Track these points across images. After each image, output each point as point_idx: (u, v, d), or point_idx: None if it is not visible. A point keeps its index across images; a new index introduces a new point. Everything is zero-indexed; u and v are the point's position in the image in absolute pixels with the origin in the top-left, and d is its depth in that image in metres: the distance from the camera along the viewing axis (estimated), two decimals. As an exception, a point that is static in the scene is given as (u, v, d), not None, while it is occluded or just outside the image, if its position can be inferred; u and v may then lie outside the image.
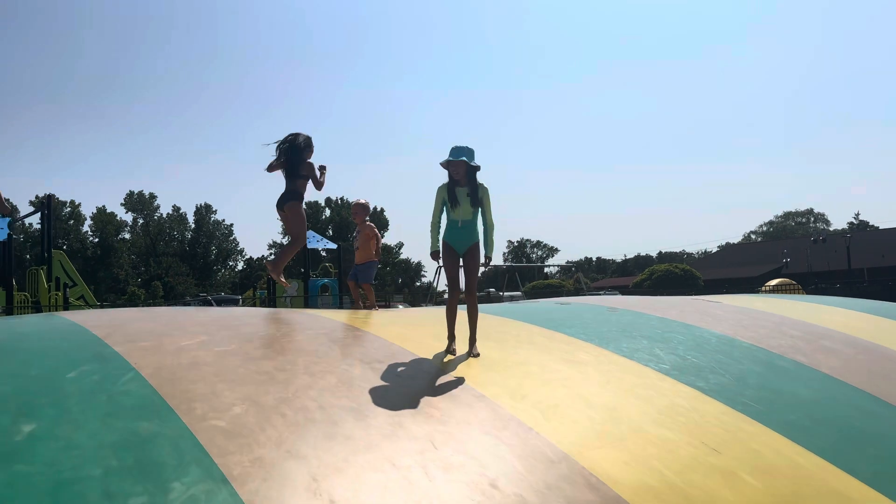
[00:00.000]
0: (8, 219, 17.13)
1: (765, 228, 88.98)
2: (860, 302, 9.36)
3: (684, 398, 4.44)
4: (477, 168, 4.73)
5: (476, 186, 4.75)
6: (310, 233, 22.50)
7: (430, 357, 4.56)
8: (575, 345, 5.27)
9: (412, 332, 5.21)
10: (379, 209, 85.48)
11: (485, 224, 4.86)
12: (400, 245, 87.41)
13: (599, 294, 43.44)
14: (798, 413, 4.55)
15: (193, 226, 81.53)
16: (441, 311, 5.06)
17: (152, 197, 79.92)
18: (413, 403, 3.64)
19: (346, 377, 3.85)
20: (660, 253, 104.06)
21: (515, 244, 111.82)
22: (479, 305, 4.95)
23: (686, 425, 4.02)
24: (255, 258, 78.19)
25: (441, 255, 4.79)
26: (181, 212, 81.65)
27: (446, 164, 4.73)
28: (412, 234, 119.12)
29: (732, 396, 4.59)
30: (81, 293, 19.54)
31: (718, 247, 76.40)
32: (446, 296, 4.97)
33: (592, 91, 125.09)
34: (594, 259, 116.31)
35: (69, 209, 73.89)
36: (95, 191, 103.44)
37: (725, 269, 53.80)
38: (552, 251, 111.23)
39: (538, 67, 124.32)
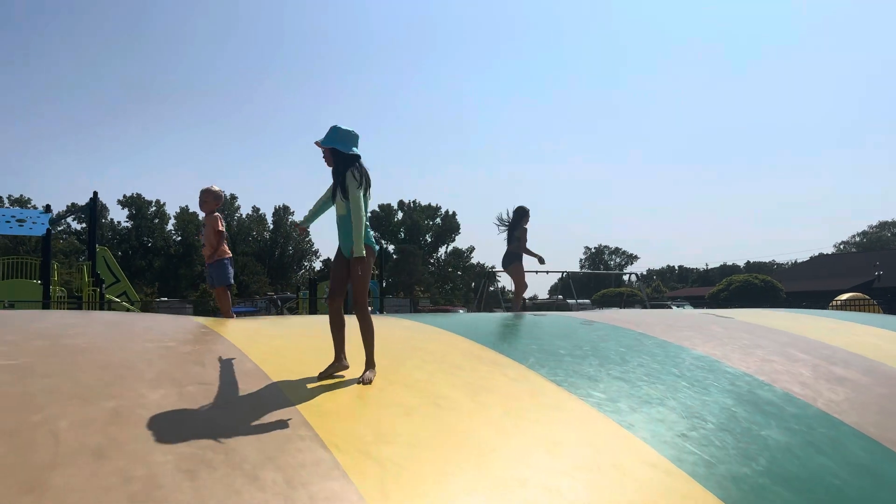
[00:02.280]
0: (49, 215, 17.49)
1: (858, 239, 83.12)
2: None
3: (601, 439, 3.48)
4: (350, 156, 3.93)
5: (343, 177, 3.94)
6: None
7: (289, 379, 3.76)
8: (498, 367, 4.36)
9: (283, 344, 4.38)
10: (451, 213, 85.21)
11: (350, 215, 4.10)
12: (471, 249, 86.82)
13: (666, 304, 41.25)
14: (756, 466, 3.51)
15: (272, 226, 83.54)
16: (349, 322, 4.19)
17: (233, 197, 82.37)
18: (208, 433, 2.87)
19: (136, 403, 3.10)
20: (747, 262, 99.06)
21: (593, 250, 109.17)
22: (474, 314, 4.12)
23: (591, 480, 3.07)
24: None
25: (369, 265, 3.96)
26: (260, 212, 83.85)
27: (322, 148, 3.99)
28: (482, 238, 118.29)
29: (671, 440, 3.59)
30: (124, 289, 19.81)
31: (811, 257, 71.83)
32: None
33: (692, 92, 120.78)
34: (676, 267, 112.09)
35: (154, 208, 77.04)
36: (178, 190, 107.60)
37: (813, 280, 50.20)
38: (631, 258, 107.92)
39: (625, 65, 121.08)
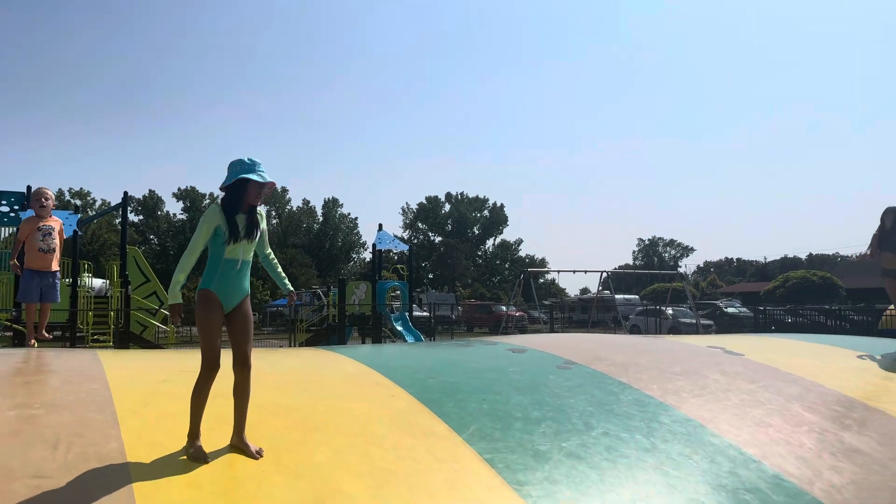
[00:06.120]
0: (78, 216, 17.64)
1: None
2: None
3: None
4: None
5: (255, 211, 3.52)
6: (381, 233, 21.69)
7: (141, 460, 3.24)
8: (427, 440, 3.76)
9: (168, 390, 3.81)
10: (499, 205, 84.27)
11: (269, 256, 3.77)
12: (519, 241, 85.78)
13: (718, 302, 39.59)
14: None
15: (321, 219, 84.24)
16: (311, 357, 3.65)
17: (284, 190, 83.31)
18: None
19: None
20: (809, 255, 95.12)
21: (647, 242, 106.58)
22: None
23: None
24: (382, 251, 79.54)
25: (202, 310, 3.39)
26: (310, 205, 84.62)
27: (247, 185, 3.46)
28: (531, 229, 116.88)
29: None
30: (154, 290, 19.90)
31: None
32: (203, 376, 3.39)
33: (758, 70, 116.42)
34: (734, 260, 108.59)
35: (208, 201, 78.49)
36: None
37: (877, 276, 47.49)
38: (687, 251, 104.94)
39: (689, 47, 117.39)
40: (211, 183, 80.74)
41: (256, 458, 3.29)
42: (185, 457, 3.23)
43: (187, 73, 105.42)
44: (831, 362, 6.14)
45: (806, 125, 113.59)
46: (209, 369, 3.31)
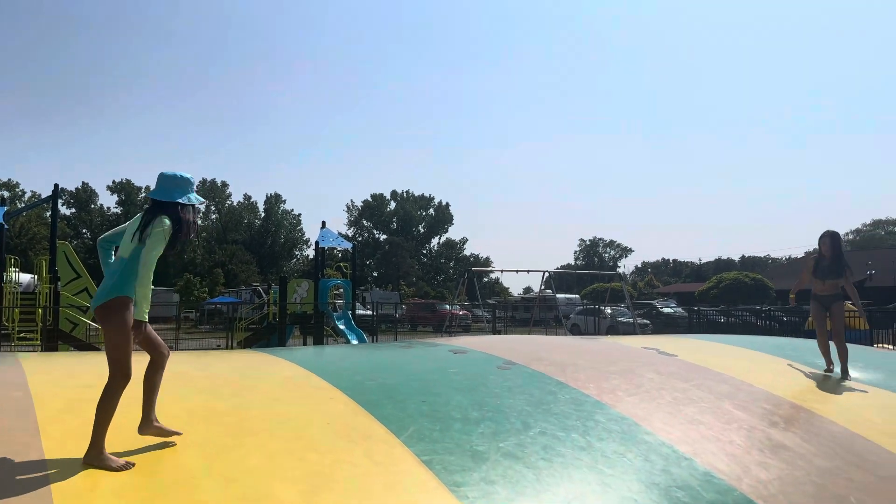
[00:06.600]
0: (5, 208, 16.82)
1: (852, 237, 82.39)
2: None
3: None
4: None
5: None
6: (324, 231, 21.43)
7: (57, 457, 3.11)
8: (365, 443, 3.71)
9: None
10: (445, 203, 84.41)
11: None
12: (464, 240, 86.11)
13: (654, 302, 40.57)
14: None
15: (263, 215, 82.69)
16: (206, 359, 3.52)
17: (224, 185, 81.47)
18: None
19: None
20: (742, 257, 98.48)
21: (588, 242, 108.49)
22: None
23: None
24: (325, 249, 78.50)
25: (126, 317, 3.17)
26: (252, 200, 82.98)
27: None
28: (477, 228, 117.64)
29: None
30: (85, 286, 19.14)
31: (805, 253, 70.96)
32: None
33: (695, 78, 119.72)
34: (671, 261, 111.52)
35: (144, 195, 76.06)
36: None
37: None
38: (626, 251, 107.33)
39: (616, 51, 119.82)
40: (146, 177, 78.37)
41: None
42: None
43: (125, 63, 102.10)
44: (760, 362, 6.35)
45: (737, 130, 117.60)
46: (125, 379, 3.18)
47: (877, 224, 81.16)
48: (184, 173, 3.40)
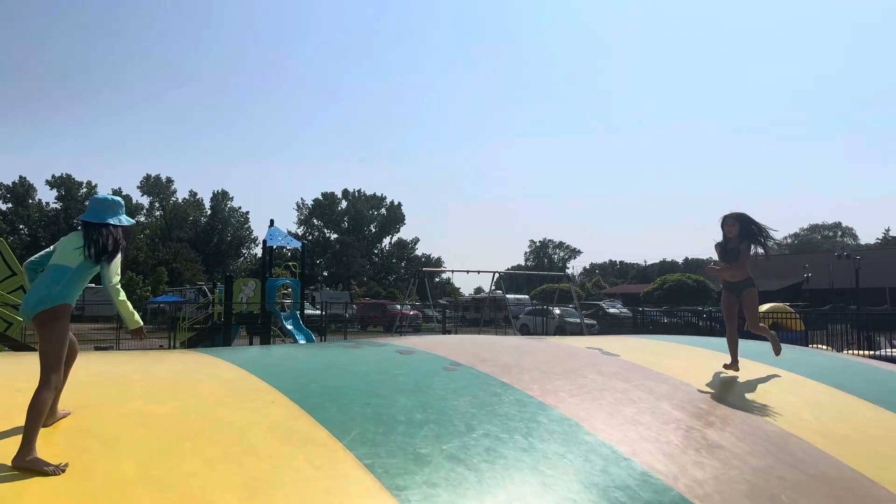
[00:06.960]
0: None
1: (789, 241, 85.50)
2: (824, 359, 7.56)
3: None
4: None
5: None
6: (273, 229, 21.14)
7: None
8: (306, 448, 3.67)
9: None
10: (396, 203, 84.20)
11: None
12: (415, 241, 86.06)
13: (601, 303, 41.41)
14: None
15: (209, 212, 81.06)
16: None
17: (169, 181, 79.59)
18: None
19: None
20: (685, 259, 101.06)
21: (538, 244, 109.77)
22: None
23: None
24: (274, 248, 77.31)
25: (65, 326, 3.32)
26: (198, 197, 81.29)
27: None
28: (428, 229, 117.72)
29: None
30: (21, 284, 18.44)
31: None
32: None
33: (620, 95, 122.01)
34: (618, 262, 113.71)
35: (85, 190, 73.76)
36: (113, 173, 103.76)
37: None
38: (574, 253, 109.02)
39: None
40: (87, 172, 76.02)
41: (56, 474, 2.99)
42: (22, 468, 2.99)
43: (64, 56, 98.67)
44: (698, 362, 6.51)
45: (682, 134, 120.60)
46: (56, 389, 3.24)
47: (814, 228, 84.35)
48: (115, 197, 3.68)
